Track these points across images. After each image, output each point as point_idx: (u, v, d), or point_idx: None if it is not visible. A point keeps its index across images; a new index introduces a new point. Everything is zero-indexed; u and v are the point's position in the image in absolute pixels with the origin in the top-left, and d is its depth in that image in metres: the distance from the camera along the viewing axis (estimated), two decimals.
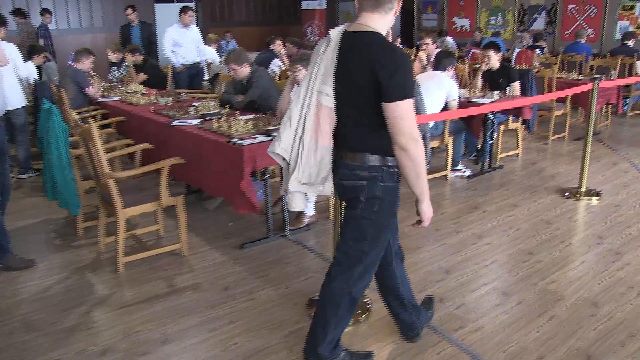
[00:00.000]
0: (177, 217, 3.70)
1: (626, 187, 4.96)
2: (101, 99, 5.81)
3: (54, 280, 3.51)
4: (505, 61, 6.18)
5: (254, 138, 3.64)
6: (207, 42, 8.41)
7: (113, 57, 7.32)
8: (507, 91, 5.53)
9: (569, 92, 5.43)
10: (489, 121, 5.31)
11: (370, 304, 3.07)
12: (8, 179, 3.73)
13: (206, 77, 8.29)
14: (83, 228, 4.19)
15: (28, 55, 6.63)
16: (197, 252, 3.83)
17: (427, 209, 2.16)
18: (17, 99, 5.39)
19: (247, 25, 14.13)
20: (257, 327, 2.91)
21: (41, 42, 9.59)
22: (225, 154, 3.61)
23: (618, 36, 9.92)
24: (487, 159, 5.49)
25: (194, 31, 7.71)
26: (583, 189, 4.72)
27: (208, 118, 4.26)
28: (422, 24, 13.73)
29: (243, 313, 3.05)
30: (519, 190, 4.93)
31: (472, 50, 9.77)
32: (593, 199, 4.64)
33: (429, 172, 4.74)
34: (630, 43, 8.29)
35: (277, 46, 7.43)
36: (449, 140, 5.12)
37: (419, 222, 2.21)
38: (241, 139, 3.63)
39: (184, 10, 7.49)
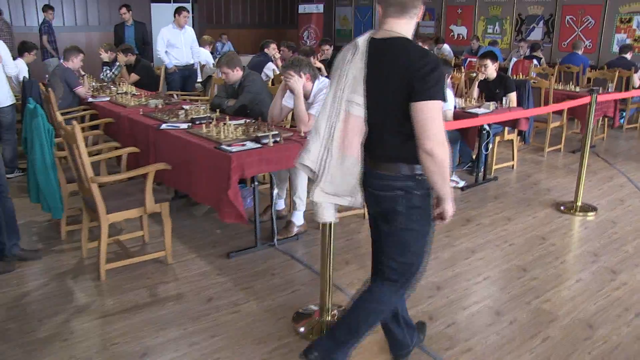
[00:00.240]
0: (162, 223, 3.59)
1: (622, 202, 4.88)
2: (91, 99, 5.70)
3: (32, 286, 3.39)
4: (501, 71, 6.11)
5: (243, 145, 3.53)
6: (201, 43, 8.30)
7: (105, 56, 7.21)
8: (504, 102, 5.45)
9: (566, 105, 5.36)
10: (484, 132, 5.23)
11: None
12: (3, 178, 3.61)
13: (199, 79, 8.18)
14: (67, 232, 4.08)
15: (19, 53, 6.51)
16: (182, 260, 3.72)
17: (450, 208, 2.15)
18: (4, 97, 5.28)
19: (243, 27, 14.03)
20: (240, 342, 2.80)
21: (44, 38, 9.47)
22: (212, 160, 3.50)
23: (615, 48, 9.87)
24: (482, 170, 5.40)
25: (189, 32, 7.60)
26: (579, 203, 4.64)
27: (197, 122, 4.15)
28: (419, 31, 13.67)
29: (226, 326, 2.94)
30: (514, 203, 4.84)
31: (469, 59, 9.71)
32: (589, 214, 4.55)
33: None
34: (628, 56, 8.23)
35: (272, 50, 7.33)
36: None
37: (441, 218, 2.19)
38: (230, 145, 3.52)
39: (178, 11, 7.38)
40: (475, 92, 5.78)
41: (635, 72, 7.78)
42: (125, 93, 5.69)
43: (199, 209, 4.62)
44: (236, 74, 4.59)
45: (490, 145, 5.44)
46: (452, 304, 3.15)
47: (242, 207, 3.39)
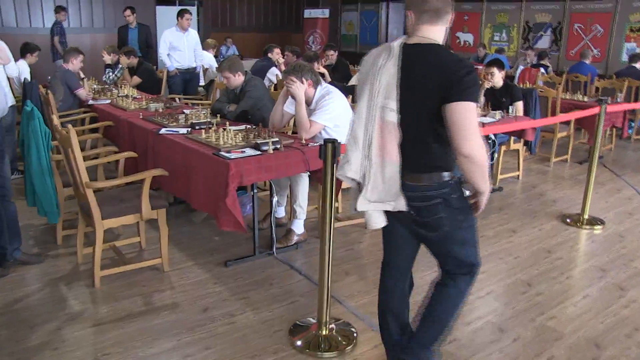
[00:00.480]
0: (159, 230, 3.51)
1: (631, 215, 4.77)
2: (91, 102, 5.64)
3: (25, 292, 3.32)
4: (508, 79, 6.02)
5: (242, 152, 3.45)
6: (205, 47, 8.24)
7: (108, 58, 7.15)
8: (510, 110, 5.36)
9: (575, 116, 5.25)
10: (489, 141, 5.14)
11: (356, 334, 2.88)
12: (8, 181, 3.55)
13: (202, 83, 8.12)
14: (63, 236, 4.01)
15: (21, 54, 6.47)
16: (179, 268, 3.64)
17: (485, 201, 2.17)
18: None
19: (248, 31, 13.99)
20: (234, 355, 2.72)
21: (55, 39, 9.45)
22: (210, 167, 3.43)
23: (625, 57, 9.76)
24: None
25: (192, 35, 7.54)
26: (586, 216, 4.54)
27: (197, 127, 4.08)
28: None
29: (220, 338, 2.85)
30: (519, 215, 4.74)
31: (475, 67, 9.61)
32: (596, 227, 4.45)
33: None
34: (638, 65, 8.12)
35: (275, 54, 7.27)
36: None
37: (476, 207, 2.20)
38: (228, 152, 3.44)
39: (181, 14, 7.33)
40: (482, 100, 5.69)
41: None
42: (126, 96, 5.63)
43: (198, 215, 4.54)
44: (238, 79, 4.52)
45: (496, 155, 5.34)
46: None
47: (240, 215, 3.31)
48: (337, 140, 2.57)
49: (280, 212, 4.34)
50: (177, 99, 6.56)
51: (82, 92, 5.67)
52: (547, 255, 3.93)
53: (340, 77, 7.11)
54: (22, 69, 6.27)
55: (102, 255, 3.54)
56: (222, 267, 3.65)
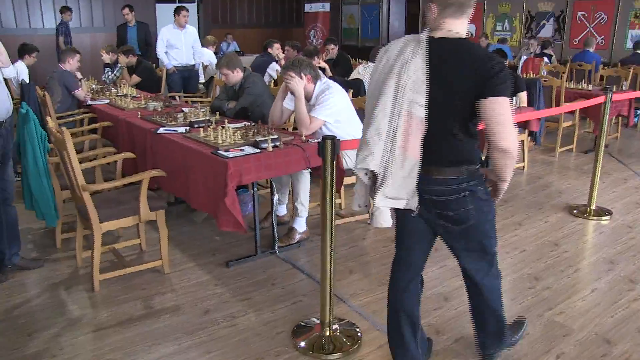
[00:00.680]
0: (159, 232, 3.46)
1: (639, 205, 4.68)
2: (90, 102, 5.58)
3: (23, 298, 3.27)
4: (511, 69, 5.93)
5: (241, 150, 3.39)
6: (205, 44, 8.17)
7: (107, 58, 7.09)
8: (514, 101, 5.27)
9: (580, 105, 5.16)
10: None
11: (360, 334, 2.82)
12: (11, 185, 3.50)
13: (202, 80, 8.05)
14: (62, 239, 3.97)
15: (19, 55, 6.41)
16: (180, 270, 3.59)
17: (504, 189, 2.21)
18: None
19: (249, 27, 13.90)
20: (236, 358, 2.66)
21: (60, 39, 9.40)
22: (209, 166, 3.36)
23: (629, 45, 9.62)
24: None
25: (190, 33, 7.46)
26: (593, 207, 4.46)
27: (196, 126, 4.02)
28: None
29: (222, 341, 2.80)
30: (524, 207, 4.66)
31: None
32: (603, 218, 4.37)
33: None
34: None
35: (275, 50, 7.19)
36: None
37: (495, 194, 2.24)
38: (227, 150, 3.38)
39: (177, 11, 7.25)
40: None
41: None
42: (125, 96, 5.57)
43: (199, 215, 4.48)
44: (236, 76, 4.46)
45: None
46: (460, 317, 2.99)
47: (240, 215, 3.24)
48: (336, 137, 2.50)
49: (282, 210, 4.28)
50: (177, 97, 6.50)
51: (81, 93, 5.61)
52: (554, 248, 3.85)
53: (342, 72, 7.03)
54: (19, 70, 6.21)
55: (102, 258, 3.50)
56: (223, 268, 3.60)
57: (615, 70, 7.64)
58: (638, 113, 7.76)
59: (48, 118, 3.44)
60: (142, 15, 9.59)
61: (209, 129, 3.82)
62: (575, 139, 6.53)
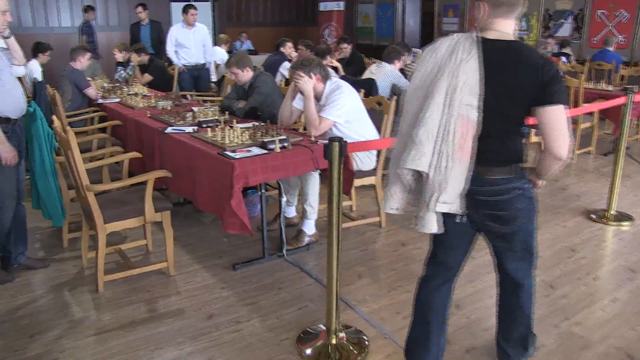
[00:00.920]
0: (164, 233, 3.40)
1: None
2: (100, 100, 5.55)
3: (27, 298, 3.23)
4: None
5: (248, 151, 3.31)
6: (218, 42, 8.12)
7: (119, 56, 7.06)
8: None
9: (599, 106, 5.00)
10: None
11: (367, 342, 2.73)
12: (22, 184, 3.47)
13: (213, 79, 7.99)
14: (69, 239, 3.93)
15: (33, 54, 6.41)
16: (185, 272, 3.52)
17: (542, 186, 2.24)
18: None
19: (263, 25, 13.84)
20: None
21: (83, 39, 9.42)
22: (215, 167, 3.29)
23: None
24: None
25: (200, 31, 7.40)
26: (612, 211, 4.31)
27: (204, 125, 3.95)
28: (442, 28, 13.31)
29: (225, 347, 2.72)
30: (541, 211, 4.50)
31: None
32: (623, 223, 4.22)
33: None
34: None
35: (288, 49, 7.10)
36: None
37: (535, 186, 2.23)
38: (234, 151, 3.30)
39: (185, 10, 7.19)
40: None
41: None
42: (136, 94, 5.53)
43: (207, 215, 4.42)
44: (246, 75, 4.38)
45: None
46: (473, 325, 2.88)
47: (246, 217, 3.16)
48: (342, 138, 2.41)
49: (291, 212, 4.19)
50: (188, 96, 6.45)
51: (92, 92, 5.59)
52: (571, 255, 3.72)
53: (355, 71, 6.92)
54: (33, 69, 6.21)
55: (108, 258, 3.45)
56: (229, 271, 3.52)
57: (636, 70, 7.44)
58: None
59: (54, 117, 3.38)
60: (157, 14, 9.56)
61: (216, 128, 3.75)
62: (594, 141, 6.36)
